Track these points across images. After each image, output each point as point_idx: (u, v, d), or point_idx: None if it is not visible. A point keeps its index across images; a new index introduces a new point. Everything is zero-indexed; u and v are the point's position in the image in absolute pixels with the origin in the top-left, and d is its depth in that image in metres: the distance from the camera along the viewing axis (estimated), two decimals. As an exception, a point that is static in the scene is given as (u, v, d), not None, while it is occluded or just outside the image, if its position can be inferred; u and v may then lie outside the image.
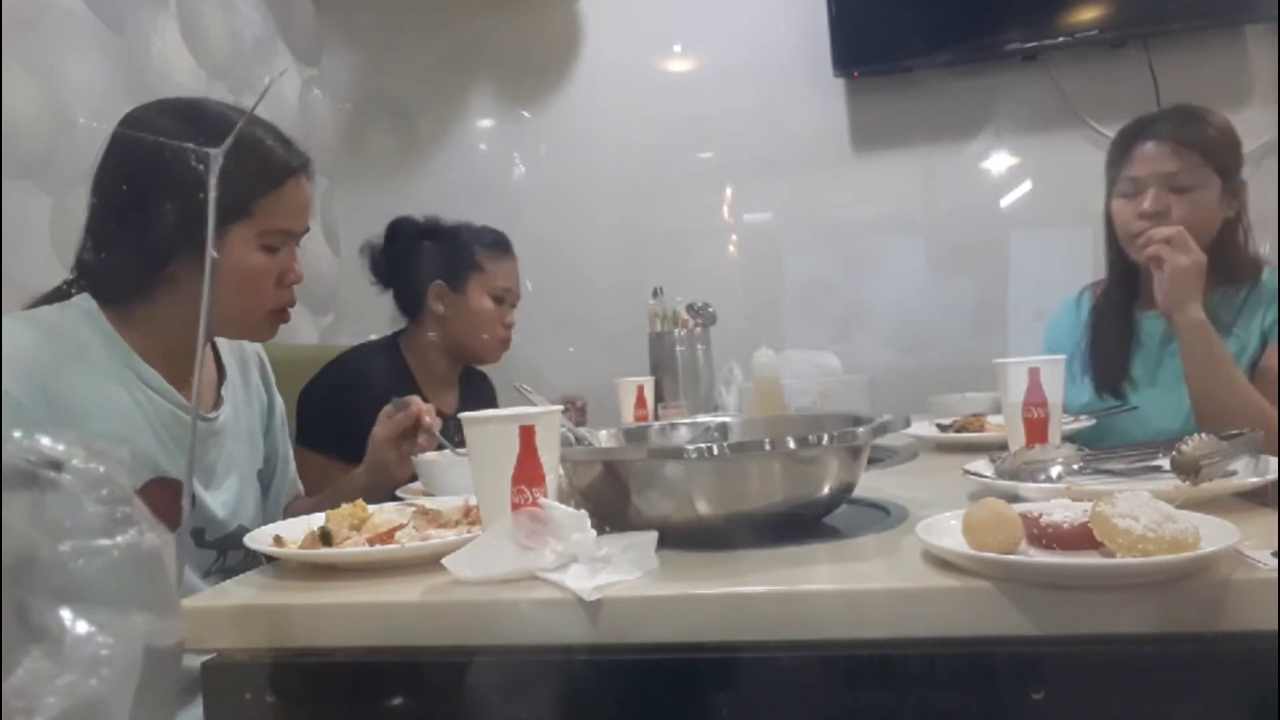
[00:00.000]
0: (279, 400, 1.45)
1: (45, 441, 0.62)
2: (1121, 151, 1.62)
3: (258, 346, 1.43)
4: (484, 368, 2.07)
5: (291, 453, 1.47)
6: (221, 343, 1.33)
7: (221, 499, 1.24)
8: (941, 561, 0.76)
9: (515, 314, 1.96)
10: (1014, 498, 0.89)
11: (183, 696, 0.89)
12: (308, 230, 1.27)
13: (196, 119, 1.17)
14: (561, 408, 0.94)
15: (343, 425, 1.68)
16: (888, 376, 2.23)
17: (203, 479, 1.22)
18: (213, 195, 0.86)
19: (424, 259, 1.89)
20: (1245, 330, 1.54)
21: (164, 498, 1.12)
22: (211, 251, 0.86)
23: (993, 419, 1.59)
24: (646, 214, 2.71)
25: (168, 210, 1.12)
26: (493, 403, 2.06)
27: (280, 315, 1.26)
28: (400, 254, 1.91)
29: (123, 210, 1.16)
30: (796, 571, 0.79)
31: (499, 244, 1.94)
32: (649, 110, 2.71)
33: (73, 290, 1.18)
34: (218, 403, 1.28)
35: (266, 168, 1.18)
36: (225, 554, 1.25)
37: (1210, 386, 1.42)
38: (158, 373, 1.17)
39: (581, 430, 1.12)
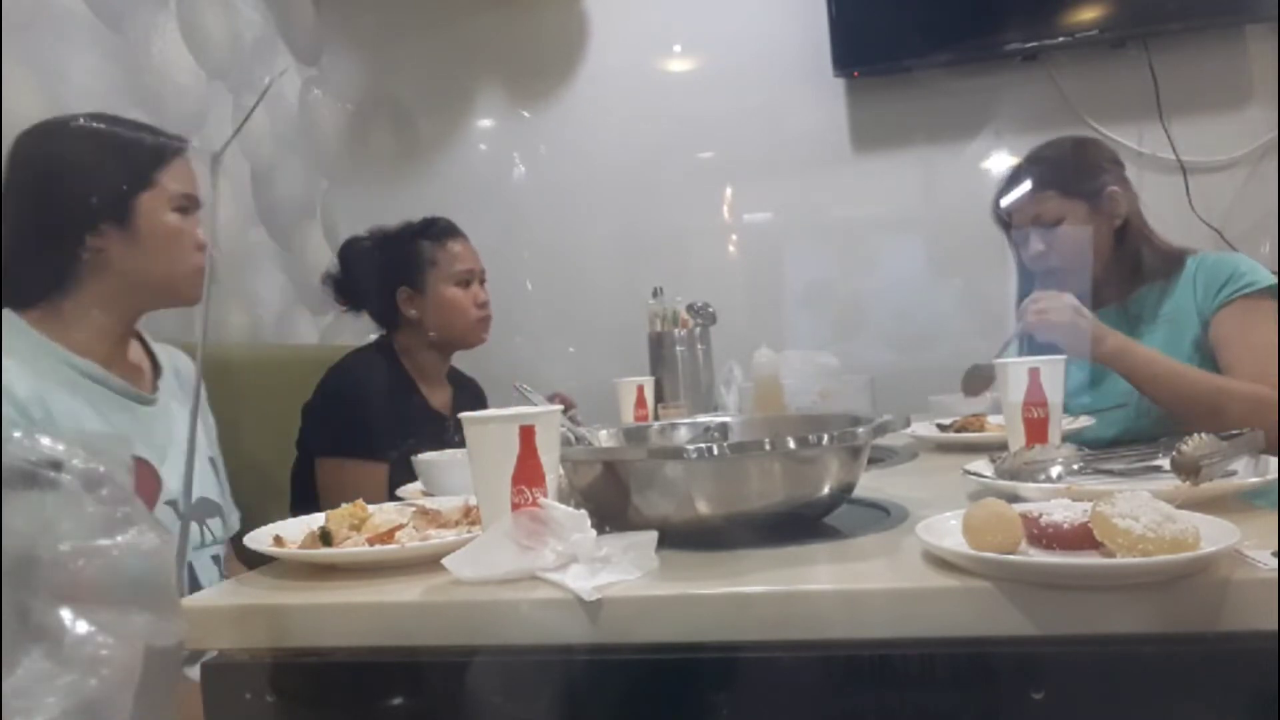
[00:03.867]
0: (211, 420, 1.51)
1: (45, 441, 0.62)
2: (1000, 208, 1.78)
3: (187, 360, 1.47)
4: (482, 368, 2.08)
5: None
6: (155, 346, 1.40)
7: (177, 473, 1.29)
8: (941, 561, 0.76)
9: (486, 290, 1.96)
10: (1014, 498, 0.89)
11: None
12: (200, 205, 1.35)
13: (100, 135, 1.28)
14: (561, 407, 0.94)
15: (356, 428, 1.75)
16: (888, 376, 2.23)
17: (156, 457, 1.27)
18: (215, 195, 0.86)
19: (382, 272, 1.90)
20: (1182, 316, 1.61)
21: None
22: (211, 252, 0.86)
23: (993, 419, 1.59)
24: (646, 214, 2.71)
25: (76, 192, 1.21)
26: (482, 405, 2.08)
27: (199, 276, 1.32)
28: (358, 276, 1.94)
29: (28, 206, 1.22)
30: (796, 571, 0.79)
31: (443, 232, 1.94)
32: (649, 110, 2.71)
33: None
34: (155, 389, 1.34)
35: (157, 146, 1.30)
36: (205, 524, 1.33)
37: (1165, 392, 1.48)
38: (94, 362, 1.23)
39: (581, 430, 1.12)
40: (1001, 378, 1.17)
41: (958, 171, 2.55)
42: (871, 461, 1.26)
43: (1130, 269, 1.66)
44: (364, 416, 1.77)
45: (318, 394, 1.82)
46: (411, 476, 1.35)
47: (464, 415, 0.87)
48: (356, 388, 1.82)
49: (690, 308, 2.28)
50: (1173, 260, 1.65)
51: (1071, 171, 1.68)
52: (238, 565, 1.46)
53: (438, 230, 1.94)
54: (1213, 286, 1.59)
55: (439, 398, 1.93)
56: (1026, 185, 1.70)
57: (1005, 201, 1.75)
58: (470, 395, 2.06)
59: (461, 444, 0.89)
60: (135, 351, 1.36)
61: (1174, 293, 1.63)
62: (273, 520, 1.04)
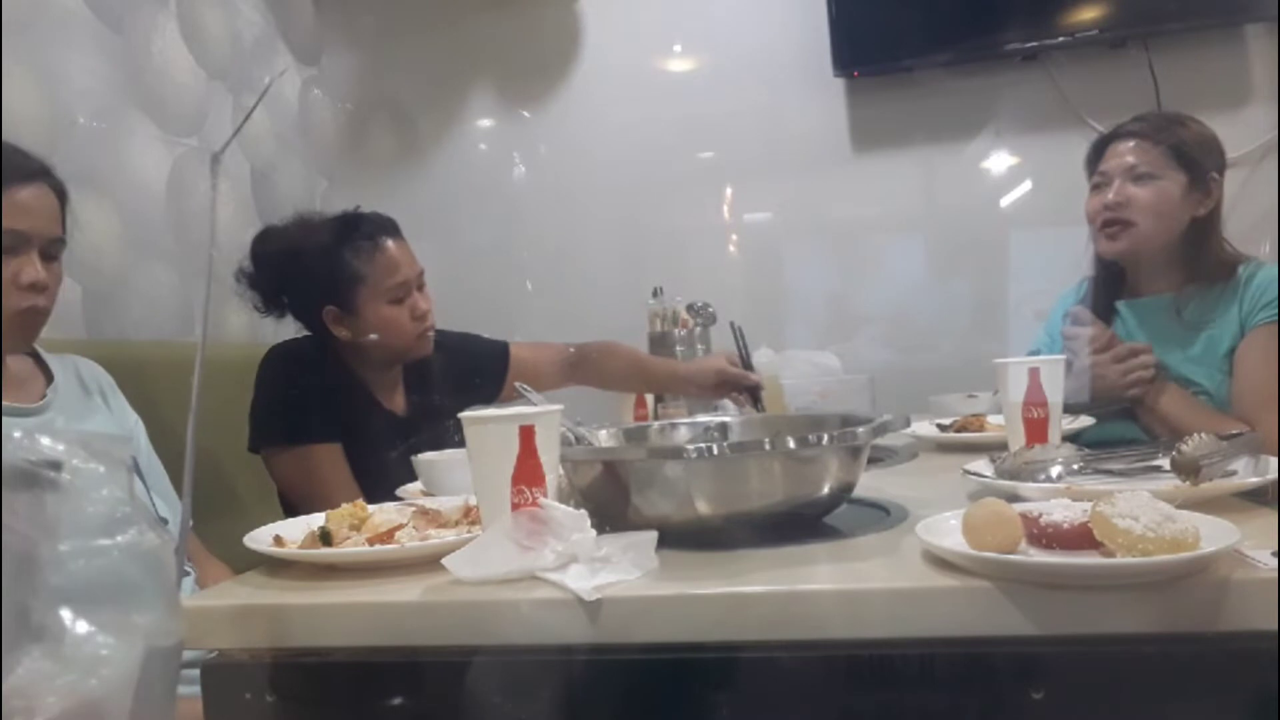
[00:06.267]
0: (132, 421, 1.46)
1: (45, 441, 0.62)
2: (1096, 153, 1.71)
3: (99, 370, 1.45)
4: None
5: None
6: (50, 357, 1.37)
7: None
8: (941, 561, 0.76)
9: (426, 296, 1.67)
10: (1014, 498, 0.89)
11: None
12: (60, 241, 1.25)
13: None
14: (560, 406, 0.93)
15: (297, 416, 1.58)
16: (888, 376, 2.23)
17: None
18: (215, 196, 0.86)
19: (302, 287, 1.63)
20: (1223, 325, 1.59)
21: None
22: (213, 251, 0.86)
23: (993, 419, 1.59)
24: (646, 214, 2.71)
25: None
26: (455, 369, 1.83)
27: (26, 318, 1.22)
28: (277, 280, 1.65)
29: None
30: (796, 571, 0.79)
31: (368, 237, 1.61)
32: (649, 110, 2.71)
33: None
34: (43, 397, 1.31)
35: None
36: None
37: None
38: None
39: (581, 430, 1.12)
40: (1001, 378, 1.17)
41: (958, 171, 2.55)
42: (871, 461, 1.26)
43: (1189, 263, 1.62)
44: (305, 403, 1.58)
45: (263, 388, 1.64)
46: (408, 473, 1.34)
47: (464, 415, 0.87)
48: (288, 373, 1.62)
49: (690, 308, 2.28)
50: (1227, 267, 1.62)
51: (1188, 139, 1.61)
52: (205, 557, 1.46)
53: (362, 236, 1.61)
54: (1256, 302, 1.56)
55: (392, 400, 1.74)
56: (1133, 133, 1.63)
57: (1110, 142, 1.66)
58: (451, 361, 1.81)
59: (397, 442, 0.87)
60: (22, 366, 1.32)
61: (1221, 299, 1.60)
62: (275, 519, 1.04)
